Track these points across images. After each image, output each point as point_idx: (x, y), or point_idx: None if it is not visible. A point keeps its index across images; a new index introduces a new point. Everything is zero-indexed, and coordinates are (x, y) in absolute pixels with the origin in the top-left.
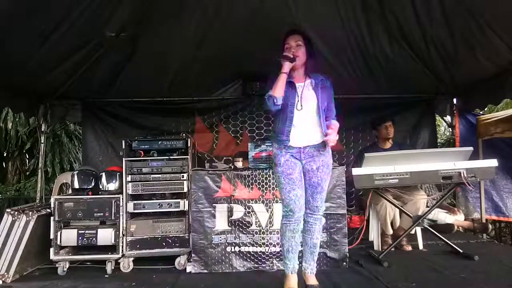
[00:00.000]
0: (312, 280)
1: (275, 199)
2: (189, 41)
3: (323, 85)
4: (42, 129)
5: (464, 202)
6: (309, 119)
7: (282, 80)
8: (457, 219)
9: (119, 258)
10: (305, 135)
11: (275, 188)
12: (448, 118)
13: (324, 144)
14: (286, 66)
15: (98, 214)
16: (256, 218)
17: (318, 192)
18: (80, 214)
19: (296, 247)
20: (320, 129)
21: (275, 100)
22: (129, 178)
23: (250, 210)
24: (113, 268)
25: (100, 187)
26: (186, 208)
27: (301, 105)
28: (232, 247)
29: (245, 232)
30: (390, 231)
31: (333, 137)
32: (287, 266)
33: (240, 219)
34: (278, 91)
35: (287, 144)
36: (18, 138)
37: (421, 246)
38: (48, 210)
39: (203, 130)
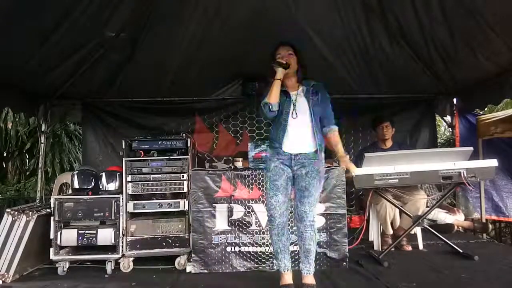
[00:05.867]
0: (308, 279)
1: None
2: (189, 41)
3: (314, 91)
4: (42, 129)
5: (464, 202)
6: (303, 128)
7: (276, 86)
8: (457, 219)
9: (119, 258)
10: (298, 143)
11: None
12: (448, 118)
13: (315, 153)
14: (280, 72)
15: (98, 214)
16: (256, 218)
17: (305, 196)
18: (80, 214)
19: (284, 247)
20: (312, 138)
21: (270, 107)
22: (129, 178)
23: (250, 210)
24: (113, 268)
25: (100, 187)
26: (186, 208)
27: (296, 114)
28: (232, 247)
29: (245, 232)
30: (390, 231)
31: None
32: (280, 266)
33: (240, 219)
34: (273, 97)
35: (280, 151)
36: (18, 138)
37: (421, 246)
38: (48, 210)
39: (203, 130)
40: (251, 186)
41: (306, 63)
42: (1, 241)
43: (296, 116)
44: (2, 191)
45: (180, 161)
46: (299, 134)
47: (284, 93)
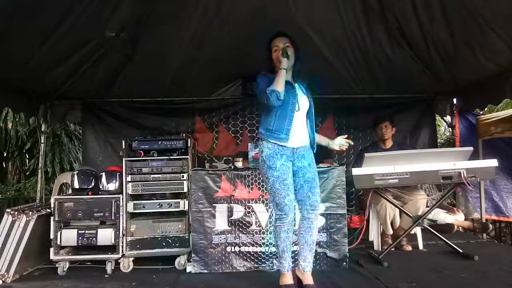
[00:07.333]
0: (308, 279)
1: None
2: (189, 41)
3: (309, 92)
4: (42, 129)
5: (464, 202)
6: (303, 121)
7: (283, 75)
8: (457, 219)
9: (119, 258)
10: (299, 136)
11: None
12: (448, 118)
13: (310, 146)
14: (285, 62)
15: (98, 214)
16: (256, 218)
17: (314, 186)
18: (80, 214)
19: (290, 246)
20: (308, 132)
21: (278, 95)
22: (129, 178)
23: (250, 210)
24: (113, 268)
25: (100, 187)
26: (186, 208)
27: (299, 107)
28: (232, 247)
29: (245, 232)
30: (390, 231)
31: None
32: (283, 265)
33: (240, 219)
34: (281, 86)
35: (285, 142)
36: (18, 138)
37: (421, 246)
38: (48, 210)
39: (203, 130)
40: (251, 186)
41: (301, 56)
42: (1, 241)
43: (299, 109)
44: (2, 191)
45: (180, 161)
46: (300, 127)
47: (289, 84)
